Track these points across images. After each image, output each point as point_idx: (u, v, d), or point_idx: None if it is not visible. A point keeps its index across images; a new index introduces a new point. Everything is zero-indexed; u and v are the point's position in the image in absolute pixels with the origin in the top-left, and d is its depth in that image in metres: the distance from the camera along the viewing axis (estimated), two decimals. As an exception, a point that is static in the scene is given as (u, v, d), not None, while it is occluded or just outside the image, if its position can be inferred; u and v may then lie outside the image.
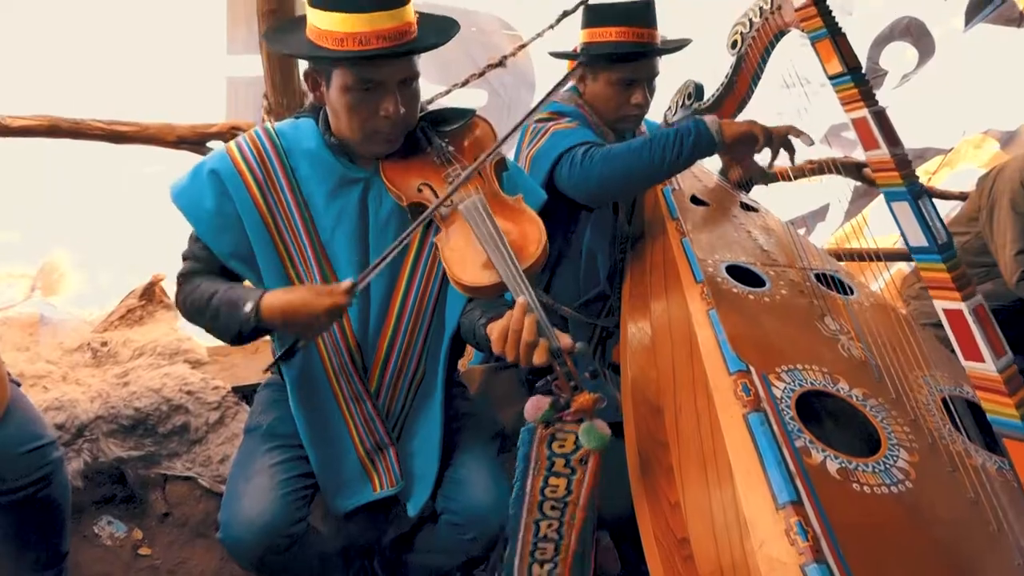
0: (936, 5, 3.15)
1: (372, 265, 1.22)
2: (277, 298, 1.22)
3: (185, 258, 1.37)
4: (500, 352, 1.14)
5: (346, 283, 1.18)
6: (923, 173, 3.77)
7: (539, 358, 1.09)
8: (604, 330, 1.91)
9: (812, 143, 1.60)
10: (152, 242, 2.01)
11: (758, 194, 2.99)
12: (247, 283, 1.36)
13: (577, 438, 1.11)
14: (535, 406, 1.10)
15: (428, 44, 1.26)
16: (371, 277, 1.22)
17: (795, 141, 1.65)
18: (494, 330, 1.14)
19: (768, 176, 1.63)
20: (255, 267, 1.34)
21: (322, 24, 1.20)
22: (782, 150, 1.66)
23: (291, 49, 1.34)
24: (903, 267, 2.99)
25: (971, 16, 3.22)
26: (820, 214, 3.44)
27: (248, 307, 1.21)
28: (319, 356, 1.38)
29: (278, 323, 1.22)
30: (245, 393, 1.93)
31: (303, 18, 1.27)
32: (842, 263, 1.73)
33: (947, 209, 3.88)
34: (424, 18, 1.29)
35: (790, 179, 1.85)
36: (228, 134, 1.95)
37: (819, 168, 2.54)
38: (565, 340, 1.10)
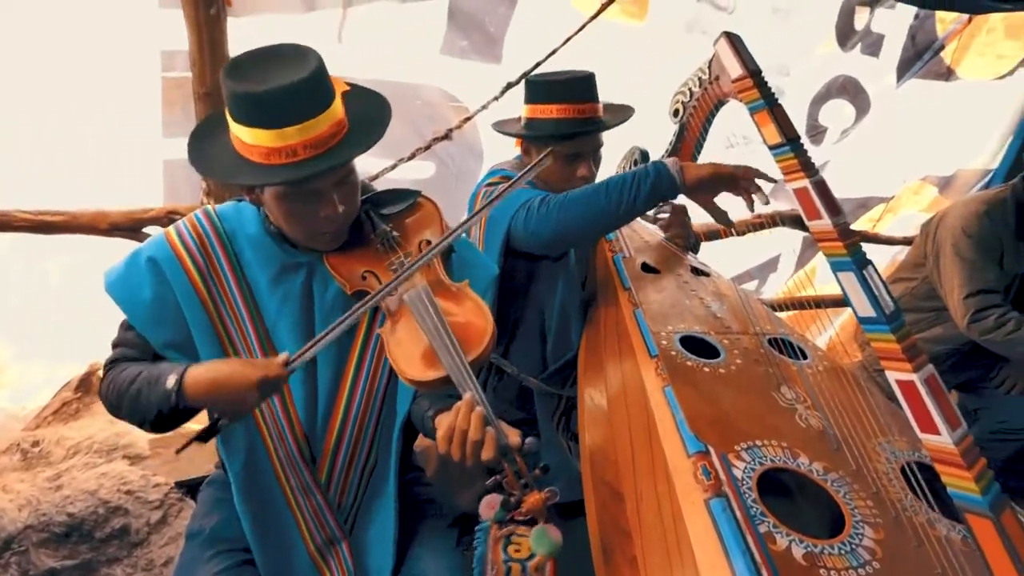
0: (870, 63, 3.28)
1: (309, 344, 1.15)
2: (204, 371, 1.14)
3: (115, 345, 1.29)
4: (445, 452, 1.09)
5: (282, 356, 1.13)
6: (868, 220, 3.88)
7: (487, 455, 1.05)
8: (569, 400, 1.87)
9: (768, 202, 1.58)
10: (89, 332, 1.92)
11: (709, 250, 3.03)
12: None
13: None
14: (488, 505, 1.05)
15: (362, 147, 1.21)
16: (307, 356, 1.15)
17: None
18: (440, 426, 1.10)
19: (727, 219, 1.60)
20: (194, 355, 1.27)
21: (246, 138, 1.15)
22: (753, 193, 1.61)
23: (218, 171, 1.26)
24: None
25: (903, 72, 3.37)
26: (771, 265, 3.48)
27: (171, 381, 1.12)
28: (264, 447, 1.32)
29: (203, 398, 1.13)
30: (191, 487, 1.84)
31: (223, 116, 1.21)
32: (794, 312, 1.72)
33: (894, 252, 3.99)
34: (352, 98, 1.25)
35: (738, 234, 1.87)
36: (165, 219, 1.89)
37: (765, 223, 2.58)
38: (514, 437, 1.06)
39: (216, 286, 1.28)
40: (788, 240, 3.48)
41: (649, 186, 1.50)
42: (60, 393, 1.95)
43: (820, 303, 3.48)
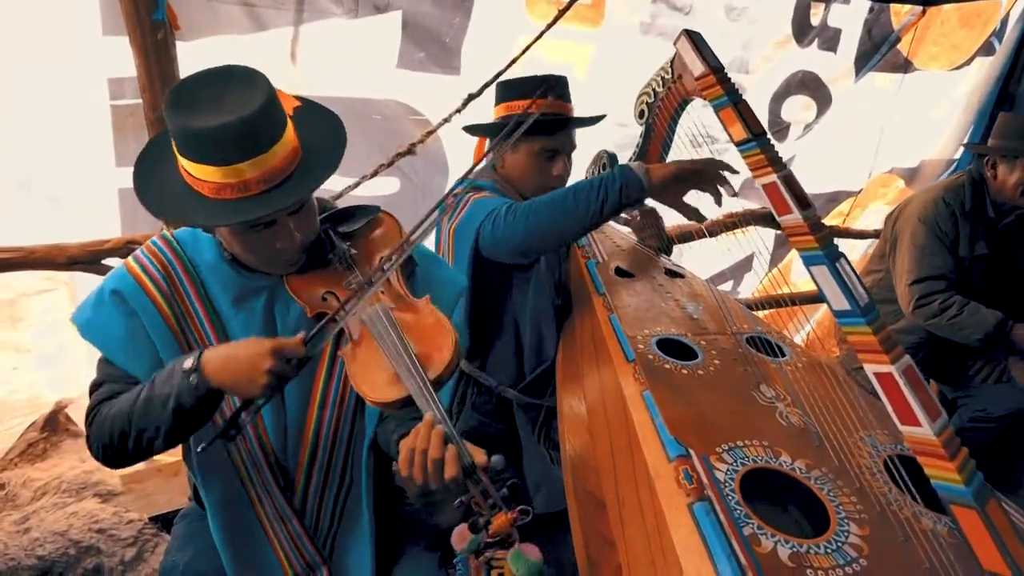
0: (828, 58, 3.31)
1: (318, 327, 1.13)
2: (218, 348, 1.12)
3: (98, 384, 1.24)
4: (407, 476, 1.05)
5: (300, 335, 1.10)
6: (838, 215, 3.91)
7: (449, 474, 1.01)
8: (550, 410, 1.83)
9: (735, 194, 1.57)
10: (51, 371, 1.86)
11: (683, 253, 3.04)
12: None
13: None
14: (459, 537, 1.01)
15: (320, 177, 1.15)
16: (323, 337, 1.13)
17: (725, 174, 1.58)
18: (402, 449, 1.06)
19: (699, 216, 1.58)
20: None
21: (195, 173, 1.09)
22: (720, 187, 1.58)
23: (168, 209, 1.16)
24: (830, 308, 3.04)
25: (860, 66, 3.41)
26: (745, 265, 3.49)
27: (188, 363, 1.09)
28: (238, 475, 1.29)
29: (220, 374, 1.08)
30: (165, 521, 1.78)
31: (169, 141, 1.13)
32: (771, 310, 1.72)
33: (866, 246, 4.03)
34: (303, 117, 1.19)
35: (710, 235, 1.86)
36: (124, 249, 1.84)
37: (736, 222, 2.58)
38: (479, 456, 1.02)
39: (182, 310, 1.25)
40: (760, 239, 3.50)
41: (616, 190, 1.48)
42: (25, 434, 1.89)
43: (796, 300, 3.50)
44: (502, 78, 1.84)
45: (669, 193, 1.54)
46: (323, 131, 1.21)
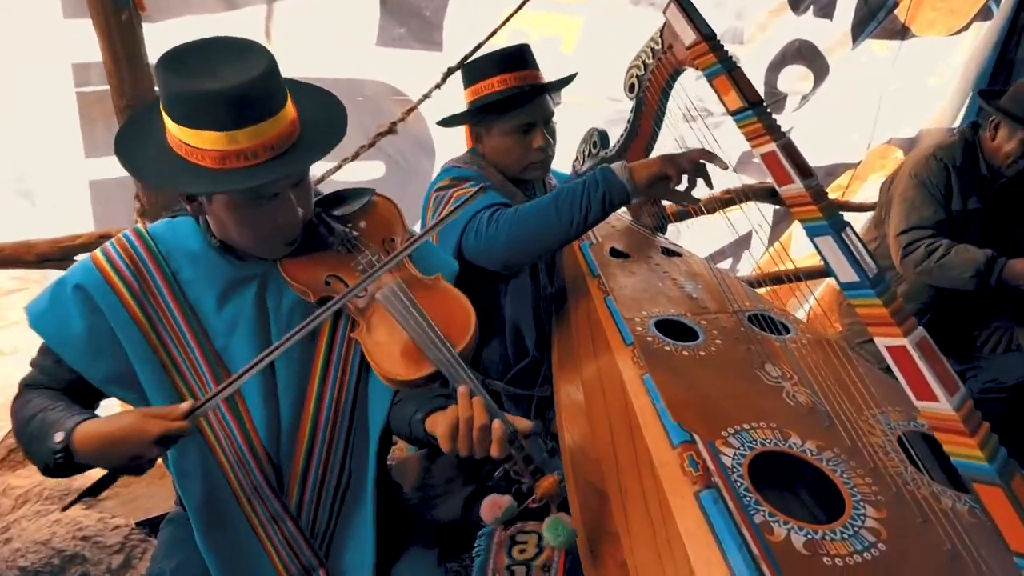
0: (824, 26, 3.23)
1: (233, 377, 1.06)
2: (97, 428, 1.02)
3: (32, 365, 1.20)
4: (451, 450, 1.03)
5: (185, 404, 1.02)
6: (837, 188, 3.84)
7: (497, 448, 1.00)
8: (541, 400, 1.79)
9: (727, 167, 1.51)
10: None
11: (679, 232, 2.97)
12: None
13: (539, 539, 1.00)
14: (494, 504, 0.99)
15: (325, 147, 1.12)
16: (224, 394, 1.05)
17: (709, 167, 1.53)
18: (439, 426, 1.05)
19: (691, 198, 1.52)
20: (138, 388, 1.17)
21: (192, 141, 1.04)
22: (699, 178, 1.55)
23: (163, 179, 1.11)
24: (834, 282, 2.99)
25: (857, 33, 3.33)
26: (744, 242, 3.44)
27: (58, 437, 1.01)
28: (224, 477, 1.23)
29: (94, 456, 1.02)
30: (153, 525, 1.73)
31: (154, 112, 1.09)
32: (772, 287, 1.67)
33: (867, 220, 3.97)
34: (296, 92, 1.16)
35: (704, 213, 1.80)
36: (97, 245, 1.76)
37: (733, 199, 2.52)
38: (521, 423, 1.02)
39: (154, 309, 1.19)
40: (759, 215, 3.43)
41: (600, 199, 1.42)
42: (5, 440, 1.83)
43: (798, 276, 3.44)
44: (479, 52, 1.78)
45: (656, 190, 1.49)
46: (316, 105, 1.19)
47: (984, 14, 3.64)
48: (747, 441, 1.07)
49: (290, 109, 1.10)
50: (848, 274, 1.03)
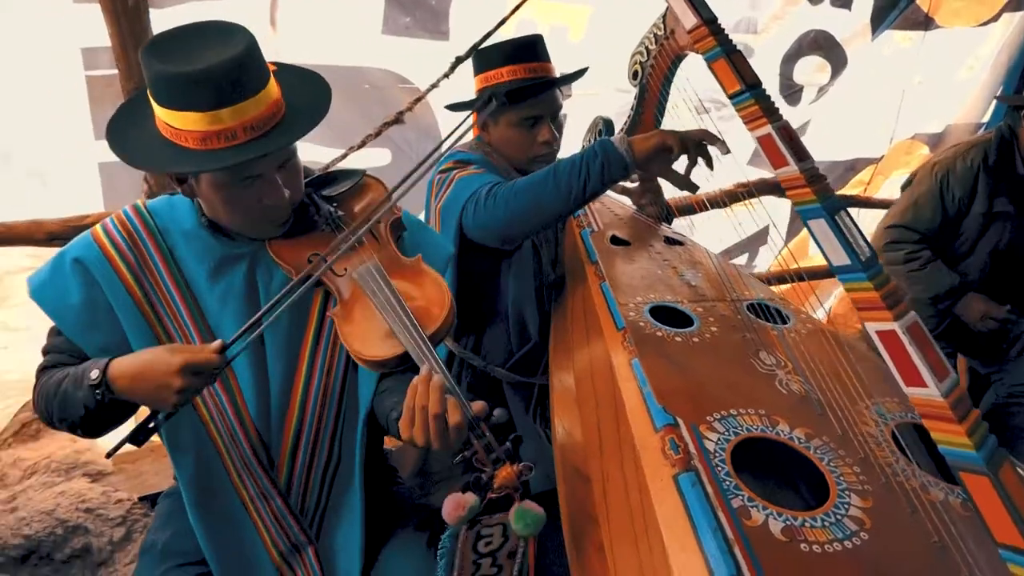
0: (842, 16, 3.15)
1: (248, 324, 1.08)
2: (129, 360, 1.07)
3: (45, 352, 1.22)
4: (408, 439, 1.02)
5: (217, 342, 1.06)
6: (857, 183, 3.75)
7: (453, 422, 0.98)
8: (542, 388, 1.79)
9: (728, 151, 1.48)
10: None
11: (694, 225, 2.93)
12: None
13: (505, 529, 0.98)
14: (456, 505, 0.96)
15: (306, 126, 1.13)
16: (246, 339, 1.08)
17: (711, 149, 1.50)
18: (403, 411, 1.03)
19: (691, 185, 1.50)
20: None
21: (176, 123, 1.05)
22: (699, 159, 1.50)
23: (149, 161, 1.14)
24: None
25: (877, 23, 3.23)
26: (760, 237, 3.37)
27: (94, 374, 1.05)
28: (216, 452, 1.24)
29: (128, 388, 1.05)
30: (155, 501, 1.75)
31: (144, 99, 1.11)
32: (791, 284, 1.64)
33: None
34: (283, 78, 1.16)
35: (712, 205, 1.78)
36: (106, 224, 1.81)
37: (741, 195, 2.48)
38: (477, 405, 1.00)
39: (151, 283, 1.21)
40: (777, 210, 3.36)
41: (598, 168, 1.40)
42: (19, 414, 1.87)
43: (815, 274, 3.38)
44: (488, 42, 1.76)
45: (655, 165, 1.46)
46: (303, 88, 1.19)
47: (1015, 3, 3.50)
48: (733, 427, 1.05)
49: (273, 89, 1.10)
50: (840, 257, 1.00)
